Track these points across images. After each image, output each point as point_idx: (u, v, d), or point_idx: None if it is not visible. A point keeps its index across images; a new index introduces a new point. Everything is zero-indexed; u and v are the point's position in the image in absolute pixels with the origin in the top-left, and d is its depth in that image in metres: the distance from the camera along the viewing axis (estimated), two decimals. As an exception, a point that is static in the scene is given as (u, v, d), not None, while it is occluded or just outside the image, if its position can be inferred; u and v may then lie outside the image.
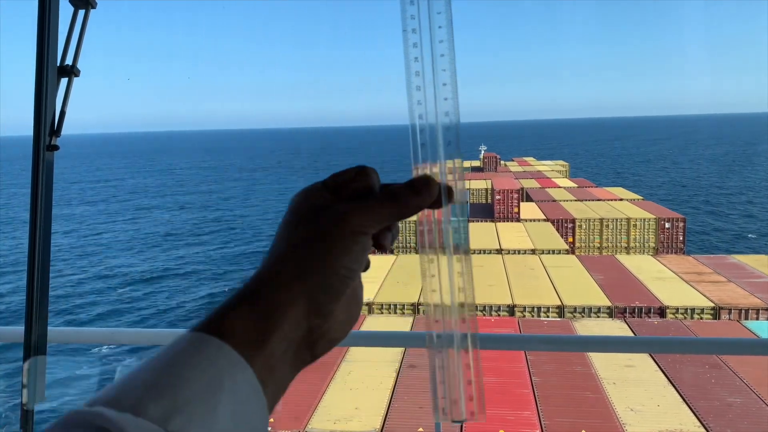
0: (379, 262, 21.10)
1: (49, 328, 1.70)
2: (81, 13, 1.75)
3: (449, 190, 0.53)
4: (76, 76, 1.74)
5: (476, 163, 54.99)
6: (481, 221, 27.28)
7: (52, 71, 1.70)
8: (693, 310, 14.91)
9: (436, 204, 0.53)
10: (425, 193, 0.52)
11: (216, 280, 29.86)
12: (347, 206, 0.52)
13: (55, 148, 1.70)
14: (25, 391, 1.67)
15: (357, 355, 10.81)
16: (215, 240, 39.33)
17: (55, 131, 1.69)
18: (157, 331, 1.89)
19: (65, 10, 1.76)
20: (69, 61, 1.73)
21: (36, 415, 1.73)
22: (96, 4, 1.76)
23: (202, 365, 0.44)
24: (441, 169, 0.53)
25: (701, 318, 14.75)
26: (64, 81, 1.72)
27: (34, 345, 1.68)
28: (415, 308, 15.63)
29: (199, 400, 0.42)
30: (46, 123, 1.67)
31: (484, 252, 21.31)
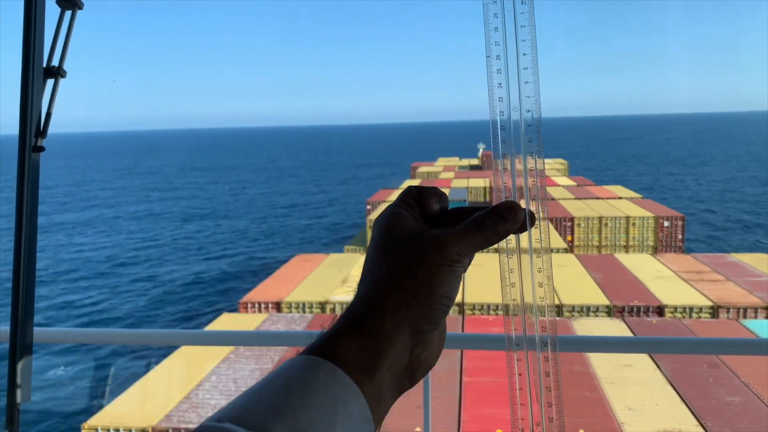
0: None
1: (35, 328, 1.71)
2: (68, 14, 1.74)
3: (531, 215, 0.54)
4: (63, 77, 1.73)
5: (475, 161, 55.04)
6: (480, 220, 27.25)
7: (38, 72, 1.69)
8: (692, 309, 14.92)
9: (520, 229, 0.54)
10: (512, 219, 0.53)
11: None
12: (443, 233, 0.53)
13: (41, 149, 1.69)
14: (10, 391, 1.67)
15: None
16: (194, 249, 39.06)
17: (41, 132, 1.69)
18: (143, 331, 1.90)
19: (52, 11, 1.75)
20: (55, 62, 1.72)
21: (22, 415, 1.74)
22: (83, 4, 1.75)
23: (318, 390, 0.44)
24: (524, 167, 0.55)
25: (700, 317, 14.76)
26: (50, 82, 1.72)
27: (20, 345, 1.67)
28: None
29: (317, 425, 0.42)
30: (32, 124, 1.66)
31: (482, 251, 21.29)
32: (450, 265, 0.51)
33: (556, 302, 15.32)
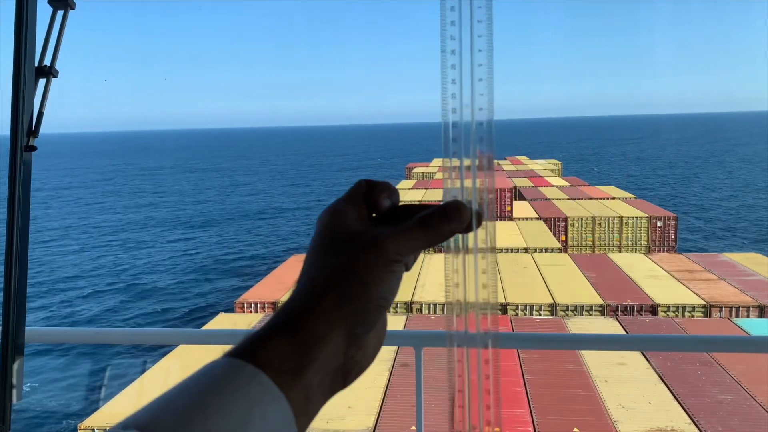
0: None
1: (27, 328, 1.70)
2: (59, 13, 1.74)
3: (479, 215, 0.53)
4: (54, 76, 1.73)
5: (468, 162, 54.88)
6: (475, 220, 27.30)
7: (30, 72, 1.69)
8: (684, 308, 14.99)
9: (467, 229, 0.53)
10: (457, 219, 0.52)
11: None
12: (382, 233, 0.51)
13: (33, 148, 1.69)
14: (2, 390, 1.66)
15: (349, 355, 10.80)
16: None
17: (33, 132, 1.69)
18: (140, 330, 1.90)
19: (44, 11, 1.75)
20: (47, 61, 1.72)
21: (18, 415, 1.73)
22: (75, 4, 1.75)
23: (235, 394, 0.43)
24: (472, 165, 0.53)
25: (692, 316, 14.83)
26: (42, 82, 1.72)
27: (12, 345, 1.67)
28: (408, 307, 15.65)
29: (229, 429, 0.41)
30: (24, 124, 1.66)
31: (477, 251, 21.34)
32: (388, 265, 0.50)
33: (549, 302, 15.35)
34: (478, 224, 0.53)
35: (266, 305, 16.16)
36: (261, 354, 0.46)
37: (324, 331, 0.48)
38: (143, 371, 11.79)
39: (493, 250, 0.54)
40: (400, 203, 0.56)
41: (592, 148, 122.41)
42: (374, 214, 0.56)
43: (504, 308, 15.20)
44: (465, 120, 0.52)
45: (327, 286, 0.50)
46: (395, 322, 14.38)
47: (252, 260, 33.19)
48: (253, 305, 16.30)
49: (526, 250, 21.18)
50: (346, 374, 0.51)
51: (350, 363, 0.50)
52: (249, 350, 0.46)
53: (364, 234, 0.52)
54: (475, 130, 0.52)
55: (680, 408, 9.42)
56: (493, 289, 0.53)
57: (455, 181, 0.53)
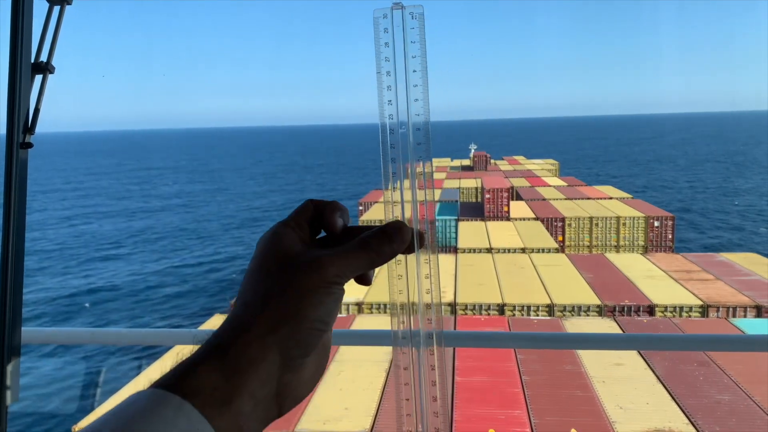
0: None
1: (23, 328, 1.68)
2: (56, 9, 1.72)
3: (420, 235, 0.53)
4: (51, 73, 1.71)
5: (466, 162, 55.13)
6: (471, 220, 27.33)
7: (26, 68, 1.67)
8: (682, 308, 15.02)
9: (408, 249, 0.53)
10: (398, 240, 0.52)
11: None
12: (322, 255, 0.50)
13: (29, 145, 1.67)
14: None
15: (347, 355, 10.80)
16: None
17: (29, 129, 1.67)
18: (136, 331, 1.88)
19: (40, 6, 1.73)
20: (44, 57, 1.70)
21: (11, 417, 1.71)
22: (71, 0, 1.74)
23: (159, 427, 0.41)
24: (411, 171, 0.54)
25: (690, 316, 14.86)
26: (38, 78, 1.70)
27: (8, 345, 1.65)
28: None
29: None
30: (20, 121, 1.64)
31: (474, 251, 21.36)
32: (327, 287, 0.49)
33: (546, 302, 15.36)
34: (420, 245, 0.53)
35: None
36: (188, 383, 0.44)
37: (256, 354, 0.46)
38: (139, 372, 11.76)
39: (436, 251, 0.54)
40: (350, 225, 0.56)
41: (590, 149, 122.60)
42: (319, 236, 0.56)
43: (501, 309, 15.21)
44: (402, 124, 0.53)
45: (261, 308, 0.48)
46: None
47: (248, 261, 33.14)
48: (250, 306, 16.28)
49: (523, 250, 21.20)
50: (281, 402, 0.49)
51: (285, 390, 0.48)
52: (175, 380, 0.45)
53: (302, 256, 0.51)
54: (413, 136, 0.53)
55: (678, 408, 9.43)
56: (436, 293, 0.54)
57: (396, 194, 0.54)
